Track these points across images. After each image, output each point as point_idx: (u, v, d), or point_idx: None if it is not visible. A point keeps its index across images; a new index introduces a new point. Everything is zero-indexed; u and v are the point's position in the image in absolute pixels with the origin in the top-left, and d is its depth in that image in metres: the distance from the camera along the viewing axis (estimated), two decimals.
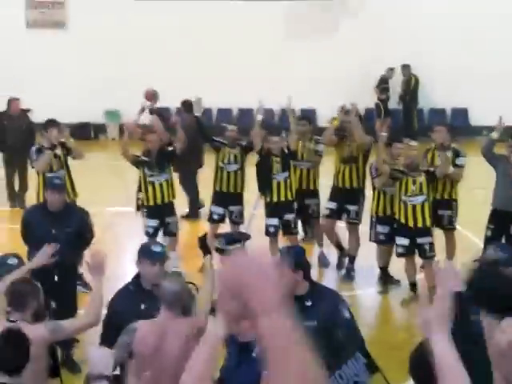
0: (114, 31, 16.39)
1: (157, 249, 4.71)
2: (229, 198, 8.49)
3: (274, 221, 8.12)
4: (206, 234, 5.38)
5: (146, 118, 9.08)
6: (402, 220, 7.54)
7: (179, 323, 4.18)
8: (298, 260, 4.46)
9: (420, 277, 7.82)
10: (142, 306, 4.53)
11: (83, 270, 7.79)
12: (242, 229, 9.75)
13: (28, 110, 11.39)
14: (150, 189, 8.10)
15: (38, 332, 4.08)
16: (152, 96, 9.11)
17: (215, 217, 8.52)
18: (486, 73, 15.65)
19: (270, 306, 1.56)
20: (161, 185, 8.12)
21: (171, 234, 8.26)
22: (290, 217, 8.21)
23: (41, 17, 17.20)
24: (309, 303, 4.34)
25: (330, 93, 14.98)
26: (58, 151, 8.09)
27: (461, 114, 16.55)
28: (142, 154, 8.21)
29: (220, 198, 8.52)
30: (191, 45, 16.37)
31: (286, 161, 8.20)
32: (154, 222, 8.11)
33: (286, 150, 8.24)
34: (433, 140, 8.19)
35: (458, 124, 16.55)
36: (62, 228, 6.13)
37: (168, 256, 4.88)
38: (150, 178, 8.09)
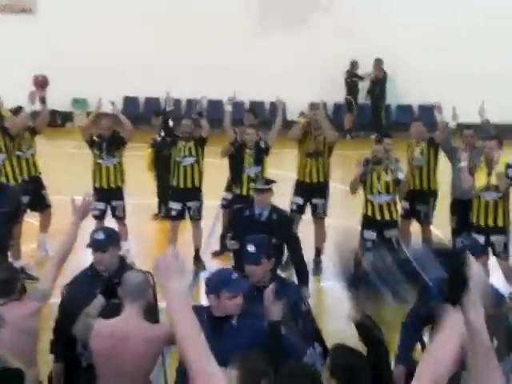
0: (83, 19, 16.23)
1: (97, 236, 4.62)
2: (186, 193, 8.39)
3: (228, 195, 8.08)
4: None
5: (37, 107, 8.47)
6: (369, 213, 7.63)
7: (142, 326, 4.01)
8: (269, 249, 4.54)
9: None
10: (96, 292, 4.42)
11: (25, 264, 7.83)
12: (208, 222, 9.78)
13: None
14: (97, 171, 8.46)
15: (29, 307, 4.20)
16: (43, 83, 8.39)
17: (173, 213, 8.42)
18: (454, 70, 15.84)
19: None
20: (107, 168, 8.42)
21: (118, 217, 8.51)
22: None
23: (8, 2, 16.95)
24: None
25: (299, 87, 15.04)
26: None
27: (428, 111, 16.69)
28: (96, 136, 8.47)
29: (177, 194, 8.42)
30: (162, 35, 16.27)
31: (259, 155, 8.18)
32: (100, 205, 8.37)
33: (263, 145, 8.23)
34: (409, 135, 8.58)
35: (425, 121, 16.70)
36: None
37: (114, 242, 4.68)
38: (98, 160, 8.42)
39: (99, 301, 4.18)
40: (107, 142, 8.37)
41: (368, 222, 7.64)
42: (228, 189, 8.70)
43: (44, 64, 15.96)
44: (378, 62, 16.25)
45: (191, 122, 8.48)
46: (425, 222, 8.42)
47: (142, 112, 16.51)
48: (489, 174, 7.23)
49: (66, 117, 16.94)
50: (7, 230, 6.40)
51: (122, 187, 8.54)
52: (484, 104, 8.39)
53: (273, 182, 6.36)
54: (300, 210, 8.45)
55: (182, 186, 8.37)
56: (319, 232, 8.50)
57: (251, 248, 4.53)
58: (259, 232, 5.21)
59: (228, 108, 8.59)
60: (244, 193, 8.14)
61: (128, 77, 16.05)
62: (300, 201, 8.43)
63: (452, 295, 2.08)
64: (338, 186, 8.70)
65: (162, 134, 9.32)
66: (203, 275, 7.78)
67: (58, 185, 9.01)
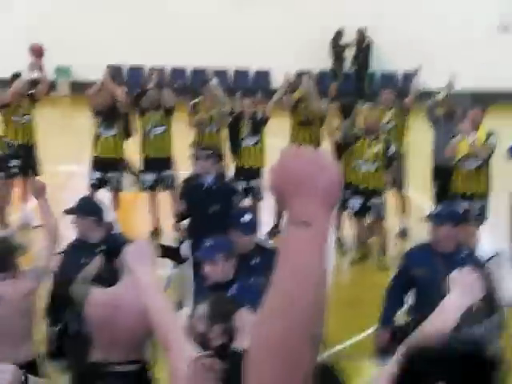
0: None
1: (77, 202, 4.96)
2: (159, 163, 8.28)
3: (240, 184, 7.97)
4: (165, 246, 5.23)
5: (35, 75, 8.58)
6: (356, 182, 7.69)
7: (137, 297, 4.08)
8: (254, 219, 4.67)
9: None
10: (82, 260, 4.53)
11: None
12: None
13: None
14: (96, 140, 8.35)
15: (25, 286, 4.17)
16: (40, 52, 8.43)
17: (148, 184, 8.31)
18: (437, 37, 15.86)
19: (309, 215, 1.27)
20: (106, 139, 8.28)
21: (112, 189, 8.39)
22: (255, 183, 8.12)
23: None
24: (256, 261, 4.54)
25: (284, 56, 15.02)
26: None
27: (411, 78, 16.74)
28: (96, 106, 8.36)
29: (150, 165, 8.30)
30: (143, 4, 16.13)
31: (258, 126, 8.16)
32: (96, 174, 8.30)
33: (260, 115, 8.20)
34: (380, 103, 8.53)
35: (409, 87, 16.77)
36: None
37: (88, 211, 4.89)
38: (98, 130, 8.31)
39: (97, 261, 4.26)
40: (106, 113, 8.27)
41: (353, 190, 7.70)
42: None
43: (27, 33, 15.87)
44: (361, 31, 16.23)
45: (158, 92, 8.31)
46: (398, 187, 8.48)
47: (126, 81, 16.42)
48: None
49: (50, 86, 16.79)
50: None
51: (118, 158, 8.39)
52: (453, 76, 8.48)
53: (212, 151, 6.60)
54: None
55: (153, 156, 8.28)
56: None
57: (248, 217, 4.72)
58: (203, 198, 5.93)
59: (214, 82, 8.58)
60: (241, 164, 8.15)
61: (111, 46, 15.92)
62: None
63: None
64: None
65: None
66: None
67: (43, 156, 9.00)
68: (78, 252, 4.67)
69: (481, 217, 7.43)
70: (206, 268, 4.19)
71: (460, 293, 2.43)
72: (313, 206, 1.27)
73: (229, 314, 3.16)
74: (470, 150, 7.27)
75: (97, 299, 4.04)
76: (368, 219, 7.90)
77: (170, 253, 4.41)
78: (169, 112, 8.29)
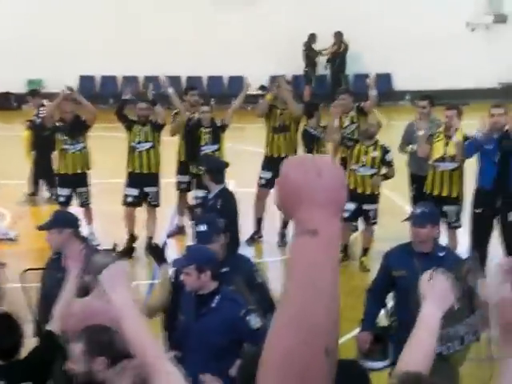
0: None
1: (53, 216, 4.94)
2: (143, 178, 8.18)
3: (200, 193, 7.86)
4: (157, 245, 5.12)
5: None
6: (352, 185, 7.69)
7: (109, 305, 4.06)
8: (222, 225, 4.70)
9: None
10: (59, 275, 4.47)
11: None
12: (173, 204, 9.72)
13: None
14: (62, 157, 8.23)
15: None
16: None
17: (130, 199, 8.19)
18: (409, 38, 15.97)
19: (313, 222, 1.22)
20: (73, 154, 8.19)
21: (82, 204, 8.33)
22: None
23: None
24: (225, 269, 4.50)
25: (257, 61, 15.02)
26: None
27: (384, 79, 16.85)
28: (58, 121, 8.29)
29: (134, 180, 8.20)
30: (114, 15, 16.06)
31: (217, 133, 8.14)
32: (65, 191, 8.24)
33: (219, 123, 8.19)
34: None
35: (382, 89, 16.87)
36: None
37: (58, 224, 4.85)
38: (64, 146, 8.20)
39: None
40: (70, 127, 8.12)
41: (349, 194, 7.68)
42: (185, 172, 8.49)
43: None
44: (339, 36, 16.26)
45: (147, 105, 8.18)
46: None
47: (99, 91, 16.36)
48: (446, 145, 7.32)
49: (22, 99, 16.63)
50: None
51: (86, 173, 8.31)
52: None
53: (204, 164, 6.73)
54: (267, 184, 8.40)
55: (137, 171, 8.16)
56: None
57: (203, 227, 4.64)
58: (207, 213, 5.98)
59: (170, 90, 8.53)
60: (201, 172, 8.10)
61: (83, 56, 15.82)
62: (268, 175, 8.38)
63: None
64: None
65: (41, 114, 9.11)
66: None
67: (14, 169, 8.90)
68: (55, 266, 4.66)
69: (457, 220, 7.46)
70: (182, 276, 4.17)
71: (433, 303, 2.38)
72: (317, 213, 1.23)
73: (109, 343, 3.16)
74: (448, 152, 7.28)
75: (72, 309, 4.02)
76: (360, 223, 7.95)
77: (155, 252, 4.42)
78: (158, 128, 8.17)
